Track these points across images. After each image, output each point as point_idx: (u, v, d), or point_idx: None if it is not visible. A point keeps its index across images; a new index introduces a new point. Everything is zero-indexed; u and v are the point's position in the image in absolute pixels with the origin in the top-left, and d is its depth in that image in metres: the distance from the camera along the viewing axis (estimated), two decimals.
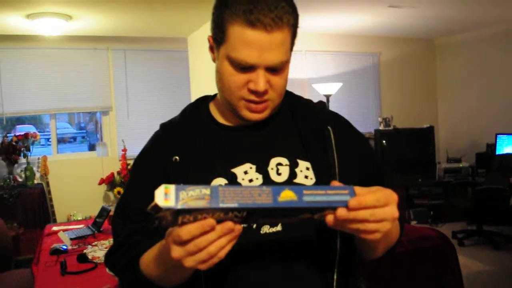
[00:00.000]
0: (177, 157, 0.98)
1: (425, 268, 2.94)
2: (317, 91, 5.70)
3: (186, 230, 0.68)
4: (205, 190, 0.65)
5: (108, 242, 2.69)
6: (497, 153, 5.72)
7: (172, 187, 0.65)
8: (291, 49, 0.96)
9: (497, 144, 5.80)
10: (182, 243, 0.69)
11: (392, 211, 0.73)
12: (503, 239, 4.98)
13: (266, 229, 0.94)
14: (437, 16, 5.52)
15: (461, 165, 6.25)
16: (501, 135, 5.79)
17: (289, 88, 1.10)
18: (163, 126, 1.08)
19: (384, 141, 6.23)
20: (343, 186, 0.72)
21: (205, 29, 1.00)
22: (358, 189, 0.72)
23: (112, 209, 3.07)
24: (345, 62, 6.57)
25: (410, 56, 6.97)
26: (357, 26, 5.97)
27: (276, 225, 0.94)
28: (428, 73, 7.16)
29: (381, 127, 6.37)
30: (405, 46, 6.91)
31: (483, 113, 6.41)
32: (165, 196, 0.64)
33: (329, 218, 0.72)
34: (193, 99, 1.13)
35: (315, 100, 1.13)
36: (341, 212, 0.70)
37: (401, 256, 2.85)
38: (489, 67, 6.32)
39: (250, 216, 0.70)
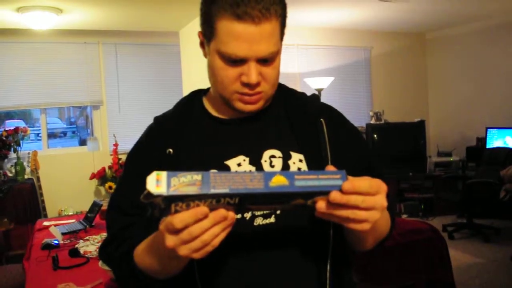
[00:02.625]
0: (170, 150, 0.98)
1: (416, 261, 2.97)
2: (309, 85, 5.71)
3: (179, 218, 0.68)
4: (196, 176, 0.66)
5: (100, 237, 2.68)
6: (487, 146, 5.77)
7: (163, 174, 0.65)
8: (281, 39, 0.96)
9: (487, 138, 5.85)
10: (176, 231, 0.69)
11: (382, 200, 0.73)
12: (493, 232, 5.04)
13: (259, 221, 0.95)
14: (428, 10, 5.55)
15: (451, 159, 6.30)
16: (491, 129, 5.84)
17: (281, 82, 1.11)
18: (157, 119, 1.09)
19: (375, 135, 6.26)
20: (335, 171, 0.72)
21: (197, 23, 1.00)
22: (349, 177, 0.72)
23: (104, 203, 3.06)
24: (337, 56, 6.58)
25: (401, 50, 7.00)
26: (348, 20, 5.98)
27: (270, 217, 0.95)
28: (419, 67, 7.20)
29: (373, 121, 6.39)
30: (396, 40, 6.94)
31: (473, 107, 6.46)
32: (157, 182, 0.64)
33: (320, 204, 0.72)
34: (185, 94, 1.13)
35: (308, 94, 1.13)
36: (335, 195, 0.69)
37: (392, 249, 2.88)
38: (479, 61, 6.36)
39: (242, 202, 0.70)
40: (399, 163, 6.10)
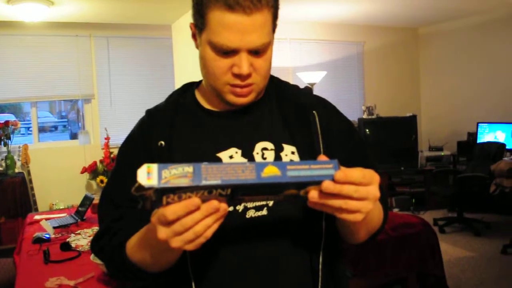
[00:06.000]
0: (162, 142, 0.98)
1: (407, 255, 2.99)
2: (302, 80, 5.71)
3: (171, 210, 0.68)
4: (188, 168, 0.65)
5: (91, 231, 2.67)
6: (478, 141, 5.81)
7: (154, 166, 0.64)
8: (273, 31, 0.96)
9: (478, 133, 5.89)
10: (168, 223, 0.69)
11: (375, 190, 0.73)
12: (483, 226, 5.08)
13: (251, 213, 0.94)
14: (420, 5, 5.56)
15: (442, 154, 6.34)
16: (482, 124, 5.88)
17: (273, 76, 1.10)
18: (149, 112, 1.08)
19: (367, 130, 6.27)
20: (328, 161, 0.71)
21: (190, 17, 0.99)
22: (342, 167, 0.71)
23: (95, 197, 3.05)
24: (330, 51, 6.58)
25: (394, 45, 7.01)
26: (341, 15, 5.98)
27: (262, 210, 0.95)
28: (411, 62, 7.22)
29: (365, 116, 6.41)
30: (389, 35, 6.95)
31: (464, 102, 6.50)
32: (148, 175, 0.63)
33: (312, 194, 0.71)
34: (177, 87, 1.13)
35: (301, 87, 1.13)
36: (327, 184, 0.69)
37: (384, 243, 2.89)
38: (471, 56, 6.39)
39: (234, 193, 0.69)
40: (391, 158, 6.13)
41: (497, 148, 5.25)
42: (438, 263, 3.10)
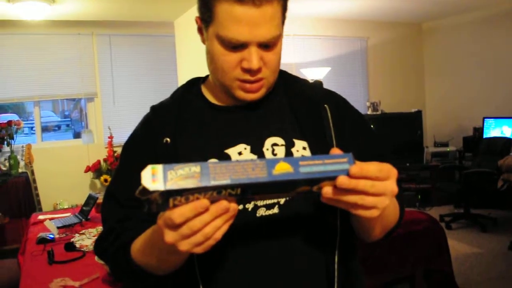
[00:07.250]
0: (168, 139, 0.95)
1: (415, 251, 2.96)
2: (305, 76, 5.67)
3: (179, 213, 0.64)
4: (195, 168, 0.61)
5: (95, 231, 2.65)
6: (484, 136, 5.76)
7: (159, 167, 0.60)
8: (283, 23, 0.93)
9: (484, 128, 5.83)
10: (175, 226, 0.65)
11: (392, 185, 0.69)
12: (490, 222, 5.04)
13: (262, 212, 0.91)
14: (424, 0, 5.52)
15: (448, 149, 6.29)
16: (488, 119, 5.83)
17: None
18: (154, 108, 1.04)
19: (372, 126, 6.21)
20: (341, 154, 0.67)
21: (192, 13, 0.96)
22: (357, 161, 0.68)
23: (100, 197, 3.03)
24: (333, 47, 6.54)
25: (398, 41, 6.96)
26: (345, 10, 5.94)
27: (273, 208, 0.91)
28: (415, 58, 7.17)
29: (369, 112, 6.37)
30: (393, 30, 6.90)
31: (470, 97, 6.45)
32: (153, 176, 0.60)
33: (326, 190, 0.68)
34: (180, 85, 1.09)
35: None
36: (342, 179, 0.65)
37: (392, 240, 2.86)
38: (475, 51, 6.33)
39: (244, 193, 0.66)
40: (396, 154, 6.08)
41: (504, 143, 5.21)
42: (446, 259, 3.07)
